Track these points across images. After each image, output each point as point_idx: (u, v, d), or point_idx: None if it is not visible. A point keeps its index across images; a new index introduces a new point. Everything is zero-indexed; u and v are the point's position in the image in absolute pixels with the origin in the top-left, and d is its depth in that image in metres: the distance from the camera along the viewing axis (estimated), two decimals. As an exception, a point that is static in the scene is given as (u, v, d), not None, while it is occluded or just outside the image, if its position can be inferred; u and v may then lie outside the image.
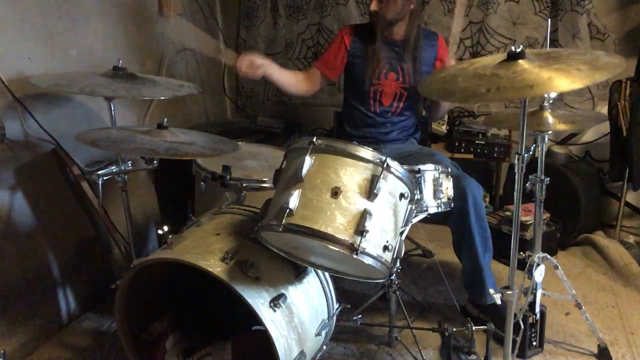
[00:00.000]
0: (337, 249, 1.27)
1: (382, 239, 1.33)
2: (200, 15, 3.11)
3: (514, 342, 1.73)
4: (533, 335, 1.88)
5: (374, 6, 2.09)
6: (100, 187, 1.75)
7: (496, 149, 2.84)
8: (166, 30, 2.73)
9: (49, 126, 2.01)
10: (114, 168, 1.80)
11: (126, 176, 1.83)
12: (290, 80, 2.23)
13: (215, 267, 1.38)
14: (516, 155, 1.45)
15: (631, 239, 2.73)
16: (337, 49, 2.26)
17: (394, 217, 1.38)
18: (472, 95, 1.27)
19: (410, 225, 1.63)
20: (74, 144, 2.05)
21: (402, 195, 1.39)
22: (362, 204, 1.30)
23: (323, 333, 1.58)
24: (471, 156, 2.88)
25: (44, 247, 2.05)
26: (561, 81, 1.17)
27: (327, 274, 1.61)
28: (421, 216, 1.72)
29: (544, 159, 1.77)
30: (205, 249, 1.46)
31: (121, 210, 1.90)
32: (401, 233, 1.46)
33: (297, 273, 1.52)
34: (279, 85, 2.20)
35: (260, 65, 2.04)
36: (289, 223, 1.28)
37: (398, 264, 1.77)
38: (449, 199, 1.74)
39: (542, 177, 1.75)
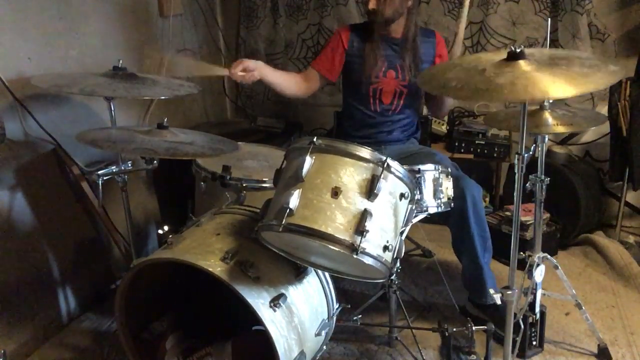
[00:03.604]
0: (337, 249, 1.27)
1: (382, 239, 1.33)
2: (200, 15, 3.11)
3: (514, 342, 1.73)
4: (533, 335, 1.88)
5: (372, 4, 2.09)
6: (100, 187, 1.75)
7: (496, 149, 2.84)
8: (166, 30, 2.73)
9: (49, 126, 2.01)
10: (114, 168, 1.80)
11: (126, 176, 1.83)
12: (285, 81, 2.23)
13: (216, 267, 1.38)
14: (516, 155, 1.45)
15: (631, 239, 2.73)
16: (334, 48, 2.25)
17: (394, 217, 1.38)
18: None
19: (410, 225, 1.63)
20: (74, 144, 2.03)
21: (402, 195, 1.40)
22: (363, 204, 1.30)
23: (323, 333, 1.58)
24: (471, 156, 2.87)
25: (44, 247, 2.05)
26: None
27: (327, 274, 1.61)
28: (421, 216, 1.72)
29: (544, 159, 1.76)
30: (206, 249, 1.46)
31: (121, 210, 1.90)
32: (401, 233, 1.46)
33: (297, 273, 1.52)
34: (275, 87, 2.19)
35: (254, 68, 2.05)
36: (289, 223, 1.28)
37: (398, 264, 1.78)
38: (449, 199, 1.74)
39: (542, 177, 1.75)
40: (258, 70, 2.07)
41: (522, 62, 1.29)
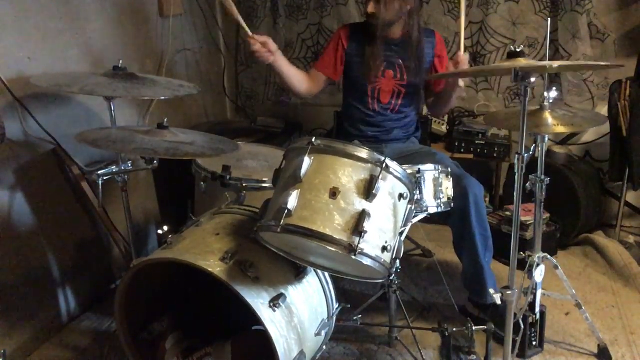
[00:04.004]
0: (335, 250, 1.27)
1: (380, 239, 1.33)
2: (200, 15, 3.11)
3: (514, 342, 1.73)
4: (533, 335, 1.88)
5: (371, 8, 2.09)
6: (100, 187, 1.75)
7: (496, 149, 2.84)
8: (166, 30, 2.73)
9: (49, 126, 2.01)
10: (114, 168, 1.80)
11: (126, 176, 1.83)
12: (297, 76, 2.22)
13: (215, 267, 1.38)
14: (516, 155, 1.45)
15: (631, 239, 2.73)
16: (335, 49, 2.26)
17: (393, 217, 1.37)
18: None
19: (410, 225, 1.63)
20: (74, 144, 2.05)
21: (401, 196, 1.39)
22: (361, 204, 1.30)
23: (323, 333, 1.58)
24: (471, 156, 2.87)
25: (44, 247, 2.05)
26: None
27: (327, 274, 1.61)
28: (421, 216, 1.72)
29: (544, 159, 1.76)
30: (205, 249, 1.46)
31: (121, 210, 1.90)
32: (401, 233, 1.46)
33: (297, 273, 1.52)
34: (285, 79, 2.18)
35: (274, 52, 2.04)
36: (287, 224, 1.28)
37: (398, 264, 1.77)
38: (449, 199, 1.74)
39: (542, 177, 1.75)
40: (275, 56, 2.06)
41: (521, 60, 1.38)
